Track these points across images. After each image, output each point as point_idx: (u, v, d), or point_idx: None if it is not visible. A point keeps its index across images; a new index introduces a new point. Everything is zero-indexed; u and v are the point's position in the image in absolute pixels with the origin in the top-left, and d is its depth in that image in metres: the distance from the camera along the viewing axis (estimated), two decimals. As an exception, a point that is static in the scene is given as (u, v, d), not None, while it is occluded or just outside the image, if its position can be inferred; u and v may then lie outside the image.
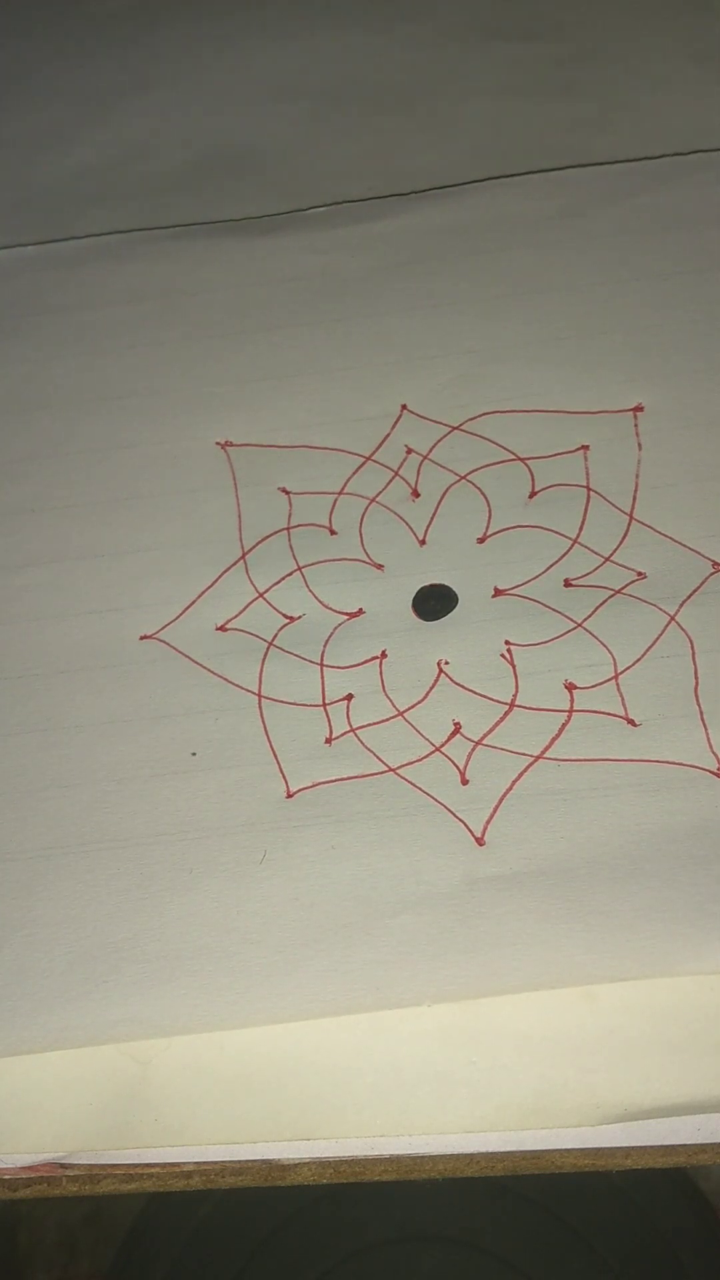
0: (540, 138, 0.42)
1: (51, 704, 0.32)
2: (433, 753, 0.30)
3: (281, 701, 0.31)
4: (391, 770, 0.30)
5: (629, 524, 0.33)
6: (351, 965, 0.27)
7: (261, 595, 0.33)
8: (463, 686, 0.31)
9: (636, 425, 0.35)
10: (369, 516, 0.35)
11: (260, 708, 0.31)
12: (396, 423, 0.36)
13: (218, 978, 0.27)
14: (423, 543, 0.34)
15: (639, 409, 0.35)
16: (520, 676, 0.31)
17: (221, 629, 0.33)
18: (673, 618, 0.31)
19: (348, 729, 0.31)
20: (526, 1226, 0.44)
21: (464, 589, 0.33)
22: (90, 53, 0.49)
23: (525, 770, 0.30)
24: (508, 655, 0.31)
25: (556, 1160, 0.27)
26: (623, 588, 0.32)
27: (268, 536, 0.34)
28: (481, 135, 0.43)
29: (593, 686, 0.31)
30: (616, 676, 0.31)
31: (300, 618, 0.33)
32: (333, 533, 0.34)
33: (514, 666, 0.31)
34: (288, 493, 0.35)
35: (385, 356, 0.37)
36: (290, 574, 0.34)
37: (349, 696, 0.31)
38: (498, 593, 0.33)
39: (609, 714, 0.30)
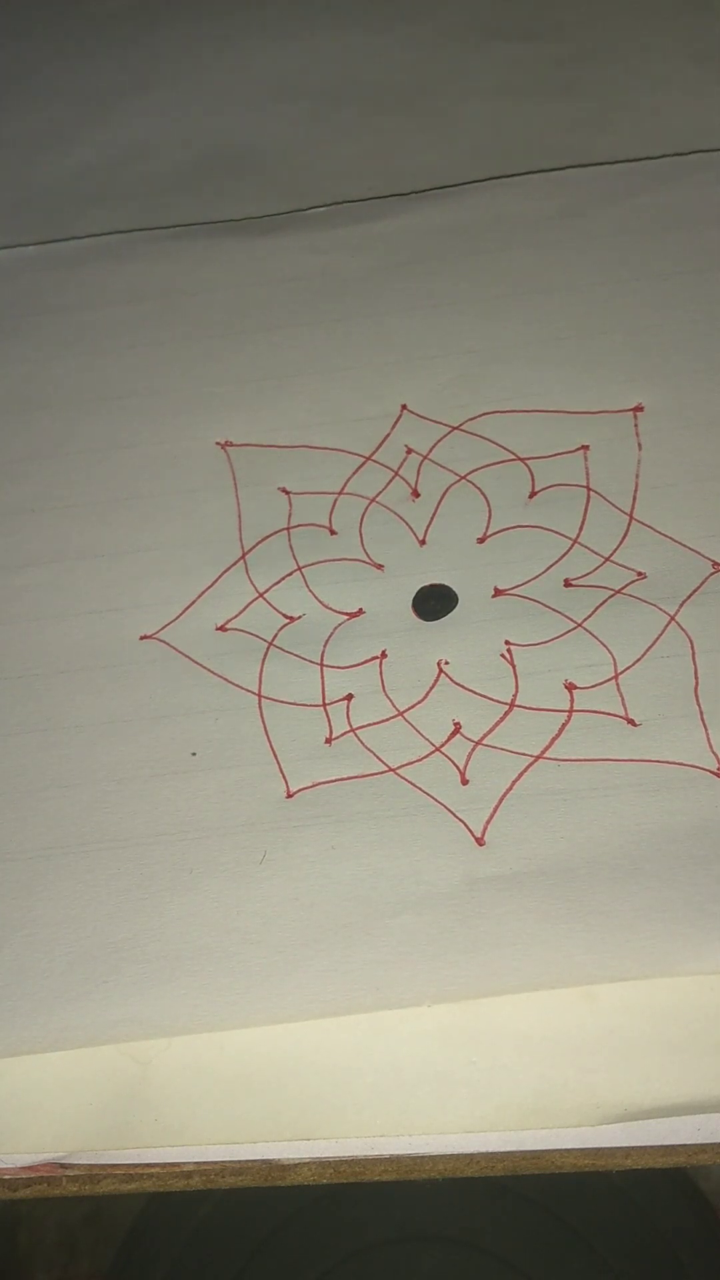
0: (540, 138, 0.42)
1: (51, 704, 0.32)
2: (433, 753, 0.30)
3: (281, 701, 0.31)
4: (391, 770, 0.30)
5: (629, 524, 0.33)
6: (351, 965, 0.27)
7: (261, 595, 0.33)
8: (463, 686, 0.31)
9: (636, 425, 0.35)
10: (369, 516, 0.35)
11: (260, 708, 0.31)
12: (396, 423, 0.36)
13: (218, 978, 0.27)
14: (423, 543, 0.34)
15: (639, 409, 0.35)
16: (520, 676, 0.31)
17: (221, 629, 0.33)
18: (673, 618, 0.31)
19: (348, 729, 0.31)
20: (526, 1226, 0.44)
21: (464, 589, 0.33)
22: (90, 53, 0.49)
23: (525, 770, 0.30)
24: (508, 655, 0.31)
25: (556, 1160, 0.27)
26: (623, 588, 0.32)
27: (268, 536, 0.34)
28: (481, 135, 0.43)
29: (593, 686, 0.31)
30: (616, 676, 0.31)
31: (300, 618, 0.33)
32: (333, 533, 0.34)
33: (514, 666, 0.31)
34: (288, 493, 0.35)
35: (385, 356, 0.37)
36: (290, 574, 0.34)
37: (349, 696, 0.31)
38: (498, 593, 0.33)
39: (609, 714, 0.30)
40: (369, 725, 0.31)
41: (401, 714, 0.31)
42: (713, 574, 0.32)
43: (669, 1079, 0.26)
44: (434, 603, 0.33)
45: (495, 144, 0.42)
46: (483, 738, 0.30)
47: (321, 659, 0.32)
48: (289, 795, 0.30)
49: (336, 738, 0.31)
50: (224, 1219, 0.46)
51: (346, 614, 0.33)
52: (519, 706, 0.31)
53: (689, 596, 0.32)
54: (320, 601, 0.33)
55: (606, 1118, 0.26)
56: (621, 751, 0.29)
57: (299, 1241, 0.45)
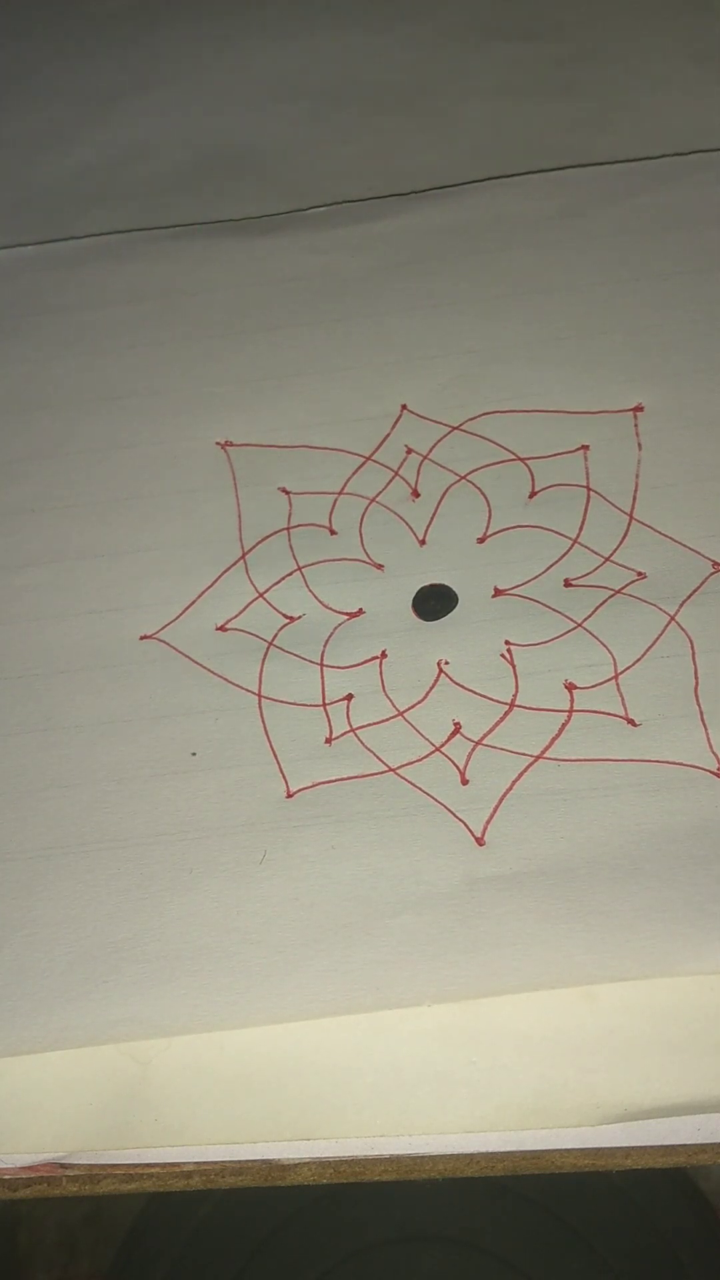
0: (540, 138, 0.42)
1: (51, 704, 0.32)
2: (433, 753, 0.30)
3: (281, 701, 0.31)
4: (391, 770, 0.30)
5: (629, 524, 0.33)
6: (351, 965, 0.27)
7: (261, 595, 0.33)
8: (463, 686, 0.31)
9: (636, 425, 0.35)
10: (369, 516, 0.35)
11: (260, 708, 0.31)
12: (396, 423, 0.36)
13: (218, 978, 0.27)
14: (423, 543, 0.34)
15: (639, 409, 0.35)
16: (520, 676, 0.31)
17: (221, 629, 0.33)
18: (673, 618, 0.31)
19: (348, 729, 0.31)
20: (526, 1226, 0.44)
21: (464, 589, 0.33)
22: (90, 53, 0.49)
23: (525, 770, 0.30)
24: (508, 655, 0.31)
25: (556, 1160, 0.27)
26: (623, 588, 0.32)
27: (268, 536, 0.34)
28: (481, 135, 0.43)
29: (593, 686, 0.31)
30: (616, 676, 0.31)
31: (300, 618, 0.33)
32: (333, 533, 0.34)
33: (514, 666, 0.31)
34: (288, 493, 0.35)
35: (385, 356, 0.37)
36: (290, 574, 0.34)
37: (349, 696, 0.31)
38: (498, 593, 0.33)
39: (609, 714, 0.30)
40: (369, 725, 0.31)
41: (401, 714, 0.31)
42: (713, 574, 0.32)
43: (669, 1079, 0.26)
44: (434, 603, 0.33)
45: (495, 144, 0.42)
46: (483, 738, 0.30)
47: (321, 659, 0.32)
48: (289, 795, 0.30)
49: (336, 738, 0.31)
50: (224, 1219, 0.46)
51: (346, 614, 0.33)
52: (519, 706, 0.31)
53: (689, 596, 0.32)
54: (320, 601, 0.33)
55: (606, 1118, 0.26)
56: (621, 751, 0.29)
57: (299, 1241, 0.45)
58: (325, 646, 0.32)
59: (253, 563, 0.34)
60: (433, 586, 0.33)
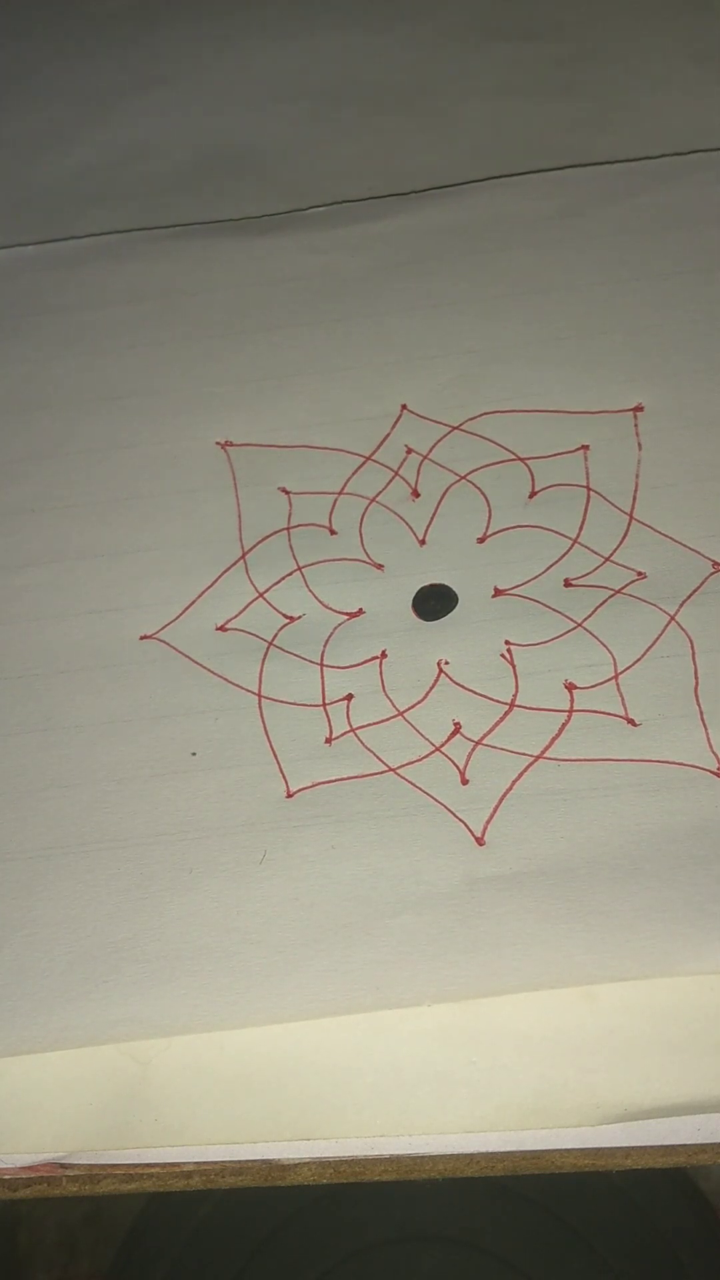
0: (540, 138, 0.42)
1: (51, 704, 0.32)
2: (433, 753, 0.30)
3: (281, 701, 0.31)
4: (391, 770, 0.30)
5: (629, 524, 0.33)
6: (351, 965, 0.27)
7: (261, 595, 0.33)
8: (463, 686, 0.31)
9: (636, 425, 0.35)
10: (369, 516, 0.35)
11: (260, 708, 0.31)
12: (396, 423, 0.36)
13: (218, 978, 0.27)
14: (423, 543, 0.34)
15: (639, 409, 0.35)
16: (520, 676, 0.31)
17: (221, 629, 0.33)
18: (673, 618, 0.31)
19: (348, 729, 0.31)
20: (526, 1226, 0.44)
21: (464, 589, 0.33)
22: (90, 53, 0.49)
23: (525, 770, 0.30)
24: (508, 655, 0.31)
25: (556, 1160, 0.27)
26: (623, 588, 0.32)
27: (268, 536, 0.34)
28: (481, 135, 0.43)
29: (593, 686, 0.31)
30: (616, 676, 0.31)
31: (300, 618, 0.33)
32: (333, 533, 0.34)
33: (514, 666, 0.31)
34: (288, 493, 0.35)
35: (385, 356, 0.37)
36: (290, 574, 0.34)
37: (349, 696, 0.31)
38: (498, 593, 0.33)
39: (609, 714, 0.30)
40: (369, 725, 0.31)
41: (401, 714, 0.31)
42: (713, 574, 0.32)
43: (669, 1079, 0.26)
44: (434, 603, 0.33)
45: (495, 144, 0.42)
46: (483, 738, 0.30)
47: (321, 659, 0.32)
48: (289, 795, 0.30)
49: (336, 738, 0.31)
50: (224, 1219, 0.46)
51: (346, 614, 0.33)
52: (519, 706, 0.31)
53: (689, 596, 0.32)
54: (320, 601, 0.33)
55: (606, 1118, 0.26)
56: (621, 751, 0.29)
57: (299, 1241, 0.45)
58: (325, 646, 0.32)
59: (253, 563, 0.34)
60: (433, 586, 0.33)
